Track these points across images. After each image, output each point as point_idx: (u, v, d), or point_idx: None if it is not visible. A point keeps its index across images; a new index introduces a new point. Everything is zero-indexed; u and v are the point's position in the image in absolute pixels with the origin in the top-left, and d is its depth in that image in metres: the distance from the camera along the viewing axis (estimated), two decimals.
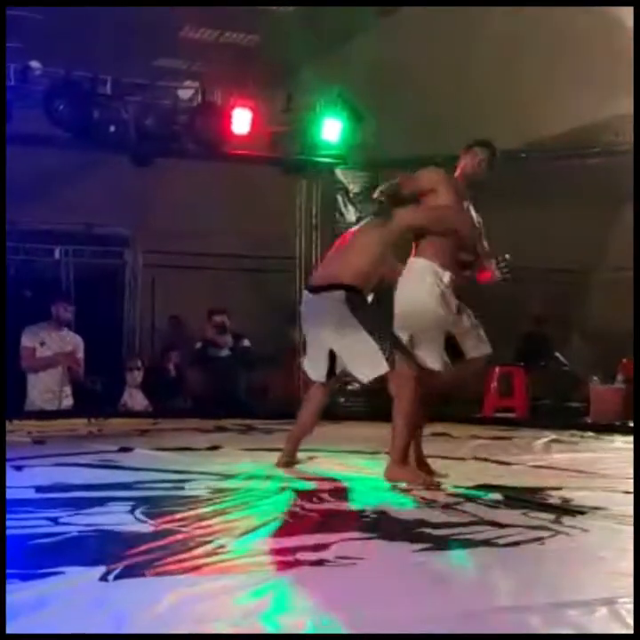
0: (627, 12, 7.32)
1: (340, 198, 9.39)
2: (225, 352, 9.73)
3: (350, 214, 9.34)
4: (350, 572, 3.09)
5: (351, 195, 9.35)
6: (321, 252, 9.61)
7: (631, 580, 2.94)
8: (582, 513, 4.11)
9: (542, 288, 10.18)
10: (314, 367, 5.46)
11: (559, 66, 8.45)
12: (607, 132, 8.61)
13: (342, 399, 9.22)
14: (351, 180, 9.35)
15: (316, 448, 6.08)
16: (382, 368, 5.04)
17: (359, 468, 5.51)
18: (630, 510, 4.16)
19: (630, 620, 2.56)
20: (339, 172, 9.42)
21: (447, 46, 8.83)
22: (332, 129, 9.18)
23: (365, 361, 5.14)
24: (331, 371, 5.36)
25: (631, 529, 3.77)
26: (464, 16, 8.57)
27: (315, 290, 5.40)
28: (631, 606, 2.65)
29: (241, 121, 8.89)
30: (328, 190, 9.55)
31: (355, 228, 5.89)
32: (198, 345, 9.87)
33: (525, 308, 10.24)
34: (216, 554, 3.22)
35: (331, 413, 8.90)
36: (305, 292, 5.57)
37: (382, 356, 5.03)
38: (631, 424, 7.70)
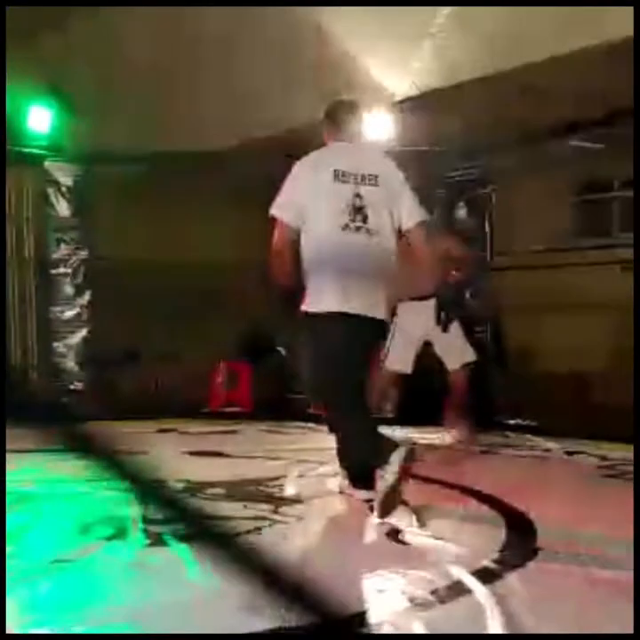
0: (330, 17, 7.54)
1: (51, 191, 9.05)
2: None
3: (63, 208, 9.05)
4: (69, 576, 3.06)
5: (63, 188, 9.05)
6: (34, 246, 9.22)
7: (342, 560, 3.10)
8: (299, 501, 4.26)
9: (262, 284, 10.32)
10: (404, 362, 6.53)
11: (271, 67, 8.59)
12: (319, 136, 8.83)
13: (65, 399, 8.98)
14: (63, 173, 9.04)
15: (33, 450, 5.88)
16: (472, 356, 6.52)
17: (74, 467, 5.40)
18: (343, 497, 4.37)
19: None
20: (49, 164, 9.06)
21: (165, 43, 8.75)
22: (40, 118, 8.79)
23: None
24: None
25: (344, 515, 3.97)
26: (183, 15, 8.52)
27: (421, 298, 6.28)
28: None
29: None
30: (39, 182, 9.14)
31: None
32: None
33: (249, 304, 10.41)
34: None
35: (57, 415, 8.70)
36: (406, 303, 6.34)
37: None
38: None
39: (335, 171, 4.09)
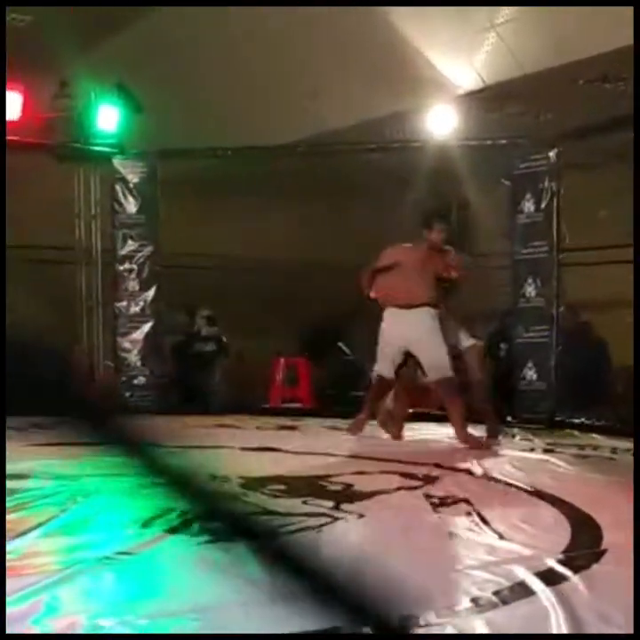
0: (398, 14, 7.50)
1: (118, 188, 9.14)
2: None
3: (130, 205, 9.13)
4: (130, 568, 3.06)
5: (130, 185, 9.13)
6: (101, 242, 9.35)
7: (404, 559, 3.06)
8: (360, 498, 4.23)
9: (327, 281, 10.33)
10: (387, 368, 6.77)
11: (340, 63, 8.57)
12: (387, 128, 8.78)
13: (128, 394, 9.05)
14: (130, 170, 9.13)
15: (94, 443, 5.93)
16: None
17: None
18: (405, 494, 4.32)
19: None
20: (116, 162, 9.16)
21: (229, 40, 8.77)
22: (108, 117, 8.93)
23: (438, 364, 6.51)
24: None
25: (406, 513, 3.93)
26: (241, 12, 8.54)
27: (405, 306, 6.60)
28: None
29: (11, 105, 8.46)
30: (106, 180, 9.27)
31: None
32: None
33: (310, 300, 10.39)
34: None
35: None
36: (391, 309, 6.66)
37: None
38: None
39: None
